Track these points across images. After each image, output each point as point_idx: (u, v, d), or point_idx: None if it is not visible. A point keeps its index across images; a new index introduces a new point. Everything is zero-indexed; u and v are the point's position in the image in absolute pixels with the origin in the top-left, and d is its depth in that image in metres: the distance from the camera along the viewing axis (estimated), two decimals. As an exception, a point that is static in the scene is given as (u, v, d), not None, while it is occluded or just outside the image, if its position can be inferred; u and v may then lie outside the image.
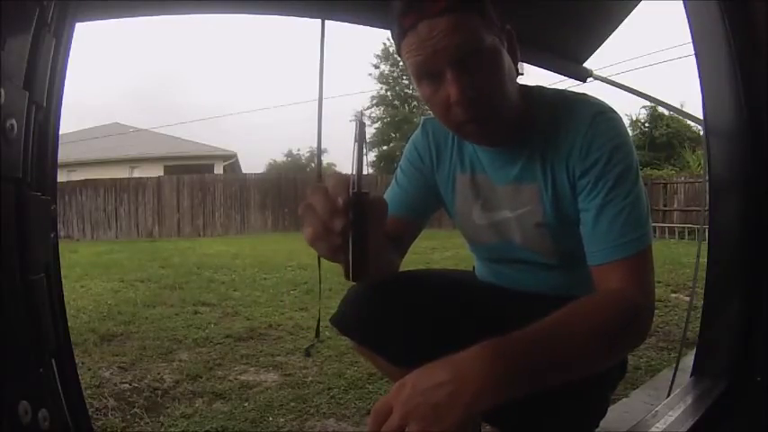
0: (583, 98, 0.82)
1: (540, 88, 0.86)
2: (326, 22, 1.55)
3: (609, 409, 0.88)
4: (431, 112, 0.80)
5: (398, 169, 0.99)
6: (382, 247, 0.77)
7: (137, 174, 14.75)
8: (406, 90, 22.89)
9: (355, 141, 0.54)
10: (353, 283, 0.84)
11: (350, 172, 0.54)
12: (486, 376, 0.55)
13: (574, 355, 0.63)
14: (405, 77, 22.73)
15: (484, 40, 0.71)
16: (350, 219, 0.53)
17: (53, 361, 0.40)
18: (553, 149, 0.80)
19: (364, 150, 0.54)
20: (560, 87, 0.92)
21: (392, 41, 0.78)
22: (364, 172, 0.54)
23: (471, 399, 0.54)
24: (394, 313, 0.90)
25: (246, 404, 1.82)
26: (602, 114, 0.77)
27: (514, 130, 0.81)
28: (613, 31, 1.61)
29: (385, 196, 0.97)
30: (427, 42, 0.70)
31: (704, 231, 1.41)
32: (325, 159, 24.74)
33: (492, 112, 0.74)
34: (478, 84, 0.71)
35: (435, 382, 0.55)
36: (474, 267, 1.12)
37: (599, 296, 0.71)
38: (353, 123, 0.57)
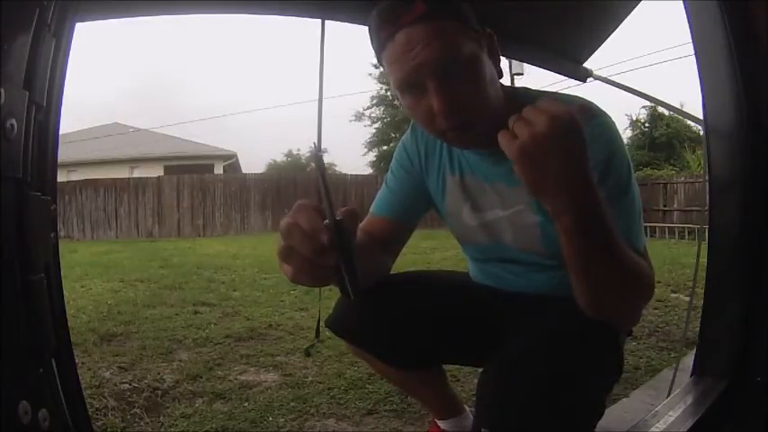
0: (571, 99, 0.81)
1: (525, 89, 0.86)
2: (326, 22, 1.55)
3: (609, 409, 0.88)
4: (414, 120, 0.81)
5: (389, 171, 0.99)
6: (366, 253, 0.80)
7: (137, 174, 14.75)
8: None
9: (317, 171, 0.56)
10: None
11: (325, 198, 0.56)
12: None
13: (618, 259, 0.66)
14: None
15: (463, 48, 0.71)
16: (336, 249, 0.55)
17: (53, 361, 0.40)
18: None
19: (327, 179, 0.57)
20: (560, 88, 0.92)
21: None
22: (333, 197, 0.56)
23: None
24: (386, 315, 0.91)
25: (246, 404, 1.82)
26: (594, 119, 0.77)
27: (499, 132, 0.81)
28: (613, 31, 1.61)
29: (376, 198, 0.98)
30: (407, 55, 0.70)
31: (704, 231, 1.41)
32: (326, 159, 24.69)
33: (475, 120, 0.74)
34: (460, 93, 0.71)
35: None
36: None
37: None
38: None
